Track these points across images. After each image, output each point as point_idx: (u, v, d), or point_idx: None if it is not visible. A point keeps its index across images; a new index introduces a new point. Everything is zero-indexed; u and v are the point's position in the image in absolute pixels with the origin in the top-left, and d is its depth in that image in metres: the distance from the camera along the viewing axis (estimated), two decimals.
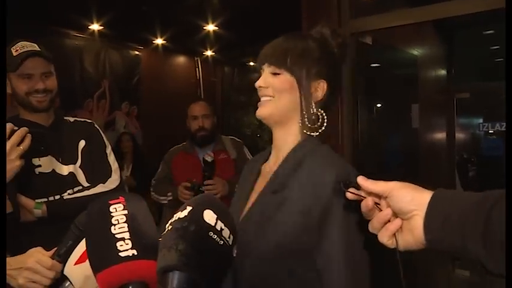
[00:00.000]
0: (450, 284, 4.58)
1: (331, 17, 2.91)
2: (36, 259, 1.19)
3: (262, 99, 1.18)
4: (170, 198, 2.91)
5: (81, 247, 0.90)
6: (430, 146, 4.93)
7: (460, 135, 6.21)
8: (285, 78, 1.16)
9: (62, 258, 1.14)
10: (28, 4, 3.74)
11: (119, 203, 0.74)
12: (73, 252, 0.91)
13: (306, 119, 1.16)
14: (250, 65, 8.03)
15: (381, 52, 4.34)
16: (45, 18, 4.61)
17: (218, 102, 7.50)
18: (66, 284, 0.90)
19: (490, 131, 6.62)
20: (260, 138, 7.67)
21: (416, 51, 4.76)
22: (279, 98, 1.16)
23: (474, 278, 4.34)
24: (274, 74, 1.16)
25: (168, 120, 5.91)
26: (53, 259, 1.17)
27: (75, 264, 0.89)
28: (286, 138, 1.18)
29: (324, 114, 1.17)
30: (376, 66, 4.85)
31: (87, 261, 0.86)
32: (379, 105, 5.02)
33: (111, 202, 0.74)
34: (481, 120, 6.91)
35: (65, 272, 0.90)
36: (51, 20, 4.83)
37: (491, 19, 4.45)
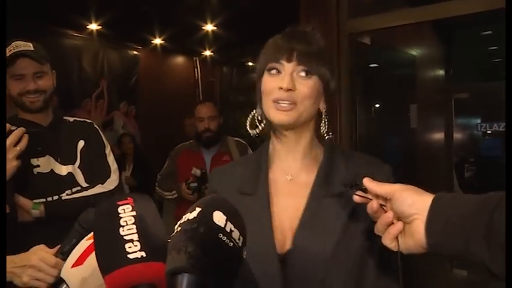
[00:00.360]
0: (448, 283, 4.59)
1: (329, 16, 2.92)
2: (40, 257, 1.19)
3: (283, 104, 1.05)
4: (175, 195, 3.02)
5: (79, 249, 0.90)
6: (428, 146, 4.94)
7: (458, 136, 6.22)
8: (315, 82, 1.06)
9: (66, 256, 1.14)
10: (26, 4, 3.73)
11: (127, 204, 0.73)
12: (70, 255, 0.90)
13: (326, 123, 1.11)
14: (249, 65, 8.02)
15: (379, 52, 4.34)
16: (44, 18, 4.61)
17: (217, 102, 7.49)
18: (63, 287, 0.90)
19: (488, 131, 6.63)
20: (258, 138, 7.66)
21: (414, 52, 4.76)
22: (302, 104, 1.05)
23: (472, 278, 4.34)
24: (304, 76, 1.05)
25: (167, 120, 5.91)
26: (56, 257, 1.17)
27: (72, 267, 0.88)
28: (300, 141, 1.12)
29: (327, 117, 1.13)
30: (374, 66, 4.86)
31: (84, 263, 0.85)
32: (377, 105, 5.03)
33: (119, 203, 0.73)
34: (479, 121, 6.93)
35: (62, 275, 0.90)
36: (50, 20, 4.83)
37: (489, 20, 4.46)
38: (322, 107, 1.11)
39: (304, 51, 1.05)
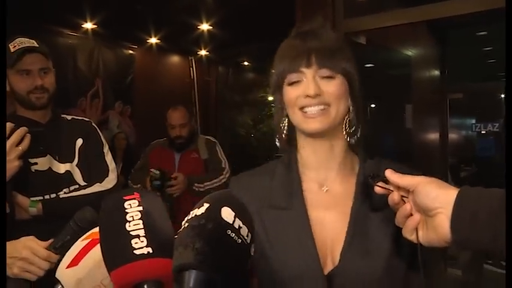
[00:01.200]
0: (442, 283, 4.60)
1: (325, 16, 2.92)
2: (32, 249, 1.19)
3: (314, 108, 0.99)
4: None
5: (74, 250, 0.89)
6: (423, 146, 4.96)
7: (452, 136, 6.25)
8: (340, 82, 1.00)
9: (58, 251, 1.14)
10: (21, 2, 3.71)
11: (134, 199, 0.72)
12: (65, 256, 0.89)
13: (354, 125, 1.04)
14: (245, 65, 8.02)
15: (375, 52, 4.36)
16: (38, 17, 4.59)
17: (212, 101, 7.48)
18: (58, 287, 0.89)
19: (482, 132, 6.67)
20: (254, 138, 7.67)
21: (410, 52, 4.78)
22: (334, 105, 0.99)
23: (466, 277, 4.36)
24: (328, 77, 0.99)
25: (162, 120, 5.88)
26: (48, 250, 1.17)
27: (67, 267, 0.87)
28: (334, 150, 1.05)
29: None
30: (369, 67, 4.87)
31: (80, 264, 0.84)
32: (372, 105, 5.04)
33: (125, 198, 0.72)
34: (473, 121, 6.96)
35: (57, 275, 0.89)
36: (44, 19, 4.80)
37: (484, 20, 4.48)
38: (349, 105, 1.03)
39: (321, 51, 0.99)
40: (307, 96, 0.98)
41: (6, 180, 1.42)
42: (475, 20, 4.46)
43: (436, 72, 5.35)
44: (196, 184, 2.93)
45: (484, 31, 5.57)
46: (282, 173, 1.08)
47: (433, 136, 5.17)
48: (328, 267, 0.96)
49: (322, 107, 0.99)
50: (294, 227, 1.00)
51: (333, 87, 0.99)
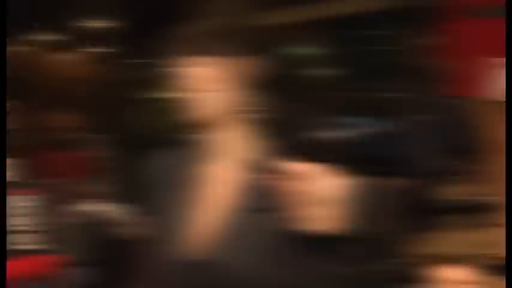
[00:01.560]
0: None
1: None
2: None
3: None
4: None
5: None
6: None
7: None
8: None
9: None
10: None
11: (24, 194, 0.69)
12: None
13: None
14: None
15: None
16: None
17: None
18: None
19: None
20: None
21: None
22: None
23: None
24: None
25: None
26: None
27: None
28: (233, 141, 1.01)
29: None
30: None
31: None
32: None
33: (15, 193, 0.69)
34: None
35: None
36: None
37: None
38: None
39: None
40: None
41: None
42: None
43: None
44: None
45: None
46: (195, 158, 1.04)
47: None
48: (201, 257, 0.93)
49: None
50: (184, 209, 0.98)
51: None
